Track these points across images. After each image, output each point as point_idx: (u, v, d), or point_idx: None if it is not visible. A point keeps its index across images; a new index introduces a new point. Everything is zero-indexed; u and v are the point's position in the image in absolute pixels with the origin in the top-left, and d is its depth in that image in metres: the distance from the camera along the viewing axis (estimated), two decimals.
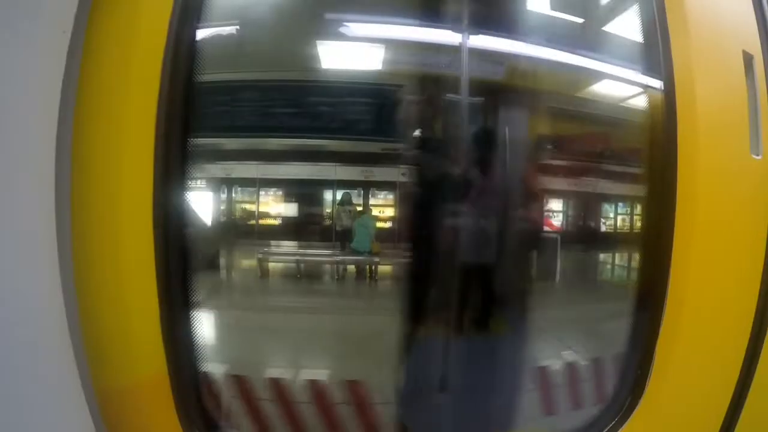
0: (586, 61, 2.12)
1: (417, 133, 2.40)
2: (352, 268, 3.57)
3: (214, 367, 1.35)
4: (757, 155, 1.48)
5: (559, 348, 2.42)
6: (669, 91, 1.45)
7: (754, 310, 1.46)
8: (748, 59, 1.49)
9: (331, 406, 1.97)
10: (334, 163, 3.55)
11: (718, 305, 1.45)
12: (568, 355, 2.27)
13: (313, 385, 2.07)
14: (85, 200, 1.11)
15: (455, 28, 2.17)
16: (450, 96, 2.29)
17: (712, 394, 1.47)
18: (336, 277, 3.61)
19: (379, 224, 3.61)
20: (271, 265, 3.51)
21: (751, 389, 1.47)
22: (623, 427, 1.43)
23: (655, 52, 1.49)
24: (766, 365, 1.48)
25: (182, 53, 1.19)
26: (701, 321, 1.43)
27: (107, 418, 1.11)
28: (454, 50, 2.19)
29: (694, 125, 1.41)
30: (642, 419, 1.43)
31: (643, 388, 1.43)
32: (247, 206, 3.69)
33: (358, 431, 1.85)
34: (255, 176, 3.59)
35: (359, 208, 3.60)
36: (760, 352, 1.47)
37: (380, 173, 3.51)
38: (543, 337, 2.46)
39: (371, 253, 3.38)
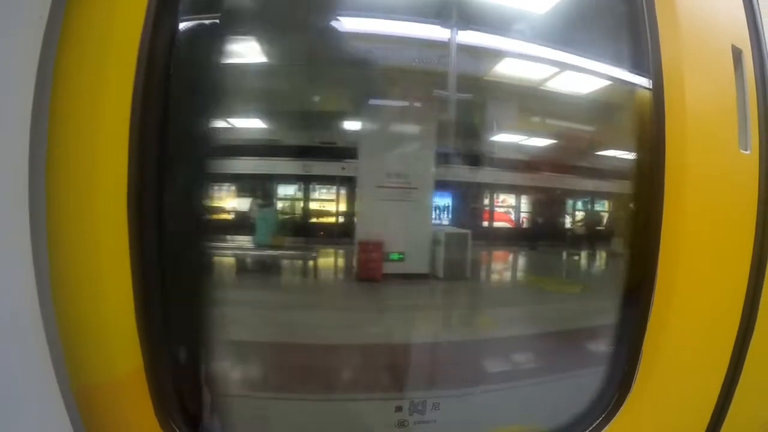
0: (573, 56, 2.11)
1: None
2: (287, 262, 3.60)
3: (190, 362, 1.35)
4: (746, 150, 1.47)
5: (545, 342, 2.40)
6: (658, 86, 1.44)
7: (741, 306, 1.46)
8: (737, 54, 1.49)
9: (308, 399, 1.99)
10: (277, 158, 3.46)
11: (706, 301, 1.44)
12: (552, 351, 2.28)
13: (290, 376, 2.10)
14: (59, 195, 1.09)
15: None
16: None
17: (699, 391, 1.47)
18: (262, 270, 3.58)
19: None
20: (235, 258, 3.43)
21: (739, 385, 1.47)
22: (610, 423, 1.43)
23: (644, 47, 1.48)
24: (754, 362, 1.48)
25: (160, 42, 1.17)
26: (689, 317, 1.42)
27: (84, 415, 1.10)
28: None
29: (682, 120, 1.40)
30: (629, 416, 1.42)
31: (630, 385, 1.43)
32: (218, 201, 3.61)
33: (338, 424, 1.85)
34: (231, 171, 3.54)
35: (263, 202, 3.55)
36: (747, 349, 1.48)
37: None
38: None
39: (271, 247, 3.39)
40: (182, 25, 1.28)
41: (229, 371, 1.87)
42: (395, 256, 3.02)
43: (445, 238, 3.14)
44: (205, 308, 1.37)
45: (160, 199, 1.23)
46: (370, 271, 3.03)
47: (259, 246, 3.37)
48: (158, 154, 1.21)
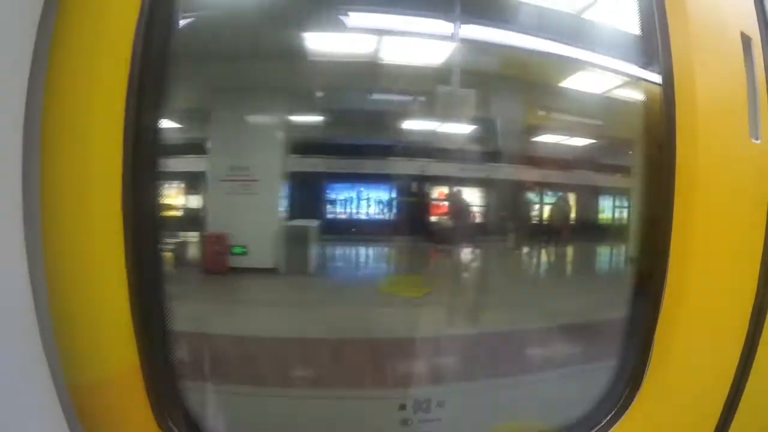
0: (582, 45, 2.02)
1: None
2: None
3: (186, 359, 1.39)
4: (757, 139, 1.45)
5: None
6: (667, 75, 1.41)
7: (753, 298, 1.44)
8: (746, 42, 1.46)
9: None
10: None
11: (717, 293, 1.42)
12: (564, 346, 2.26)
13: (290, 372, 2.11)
14: (53, 192, 1.08)
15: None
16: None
17: (710, 385, 1.45)
18: None
19: None
20: None
21: (750, 379, 1.46)
22: (622, 418, 1.39)
23: (653, 35, 1.44)
24: (765, 355, 1.47)
25: (155, 38, 1.14)
26: (700, 310, 1.40)
27: (80, 413, 1.09)
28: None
29: (692, 109, 1.37)
30: (640, 411, 1.39)
31: (641, 380, 1.39)
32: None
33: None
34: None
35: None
36: (758, 342, 1.46)
37: None
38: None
39: None
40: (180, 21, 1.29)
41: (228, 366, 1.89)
42: (238, 250, 3.10)
43: (285, 232, 3.19)
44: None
45: (154, 195, 1.23)
46: (214, 263, 3.08)
47: None
48: (153, 148, 1.19)
